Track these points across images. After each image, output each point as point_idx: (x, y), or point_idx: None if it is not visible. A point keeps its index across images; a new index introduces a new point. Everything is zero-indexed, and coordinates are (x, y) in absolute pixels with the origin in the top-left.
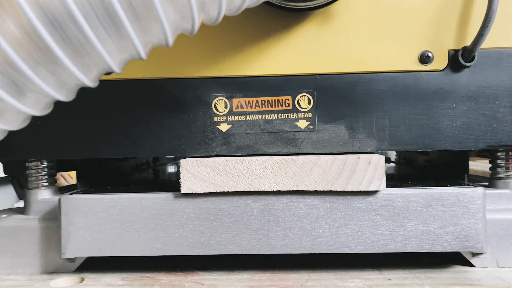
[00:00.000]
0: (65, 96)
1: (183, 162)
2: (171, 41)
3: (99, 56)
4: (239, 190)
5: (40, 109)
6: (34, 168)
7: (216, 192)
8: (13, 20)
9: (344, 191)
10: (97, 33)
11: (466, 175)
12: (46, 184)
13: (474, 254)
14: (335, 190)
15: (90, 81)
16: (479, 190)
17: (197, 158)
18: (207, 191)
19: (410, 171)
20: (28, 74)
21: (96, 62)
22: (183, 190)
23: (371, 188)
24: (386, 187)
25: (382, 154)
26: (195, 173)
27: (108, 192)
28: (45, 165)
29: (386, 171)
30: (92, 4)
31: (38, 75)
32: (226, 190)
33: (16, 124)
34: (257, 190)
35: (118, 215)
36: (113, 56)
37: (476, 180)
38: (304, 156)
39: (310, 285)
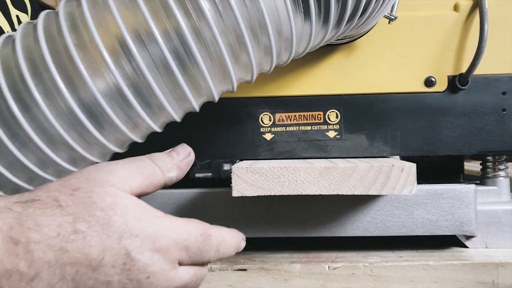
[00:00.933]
0: (139, 138)
1: (234, 169)
2: (235, 89)
3: (167, 111)
4: (285, 194)
5: (120, 147)
6: None
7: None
8: (108, 80)
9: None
10: (165, 95)
11: (461, 174)
12: None
13: (468, 237)
14: (371, 194)
15: (158, 128)
16: (472, 186)
17: (247, 164)
18: (256, 195)
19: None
20: (114, 119)
21: (164, 115)
22: (234, 193)
23: (404, 192)
24: None
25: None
26: (245, 178)
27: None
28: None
29: None
30: (165, 80)
31: (120, 120)
32: (272, 193)
33: (103, 159)
34: (301, 194)
35: (187, 206)
36: (176, 110)
37: (469, 178)
38: (343, 164)
39: (339, 260)
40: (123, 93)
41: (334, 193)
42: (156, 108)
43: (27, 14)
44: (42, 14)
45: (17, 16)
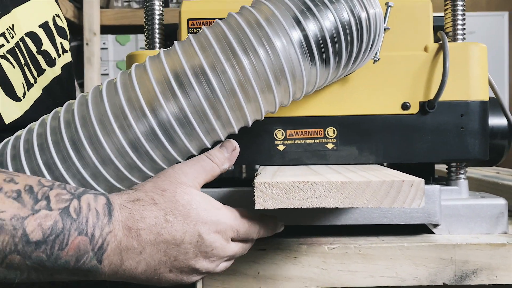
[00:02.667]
0: (196, 151)
1: (257, 184)
2: (263, 118)
3: (217, 134)
4: (304, 207)
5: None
6: None
7: None
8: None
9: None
10: (217, 124)
11: (431, 177)
12: None
13: (434, 226)
14: (384, 207)
15: (196, 152)
16: (437, 187)
17: (268, 178)
18: (276, 207)
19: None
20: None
21: (214, 137)
22: (257, 206)
23: (413, 206)
24: None
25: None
26: (266, 192)
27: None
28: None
29: None
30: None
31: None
32: (292, 207)
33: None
34: (318, 207)
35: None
36: (223, 133)
37: (440, 179)
38: (357, 179)
39: (335, 243)
40: (191, 121)
41: (349, 206)
42: (210, 132)
43: (67, 40)
44: (105, 83)
45: (61, 43)
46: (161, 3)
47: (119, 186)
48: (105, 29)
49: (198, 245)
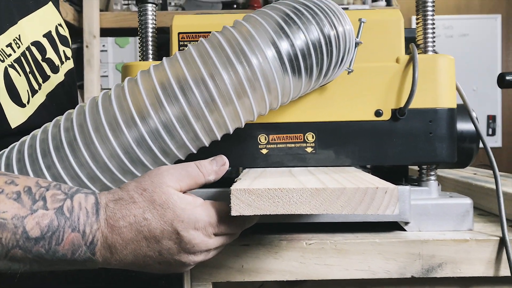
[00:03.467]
0: (183, 156)
1: (233, 190)
2: (243, 126)
3: (201, 141)
4: (279, 213)
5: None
6: None
7: None
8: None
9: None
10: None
11: (403, 178)
12: None
13: (405, 223)
14: (358, 213)
15: (195, 150)
16: (407, 187)
17: (245, 185)
18: (252, 214)
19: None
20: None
21: (198, 143)
22: (233, 213)
23: (387, 212)
24: None
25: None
26: (243, 199)
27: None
28: None
29: None
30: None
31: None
32: (268, 213)
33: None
34: (293, 213)
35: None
36: (206, 140)
37: (413, 180)
38: (332, 186)
39: (313, 239)
40: (176, 130)
41: (324, 212)
42: (195, 139)
43: (69, 48)
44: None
45: (63, 51)
46: (154, 18)
47: (113, 187)
48: (105, 32)
49: (178, 242)
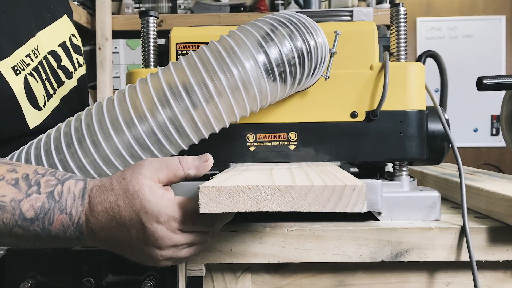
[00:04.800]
0: (176, 152)
1: (202, 188)
2: (227, 126)
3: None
4: (247, 210)
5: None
6: None
7: None
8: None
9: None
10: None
11: (378, 173)
12: None
13: (378, 213)
14: (326, 211)
15: (186, 147)
16: (379, 181)
17: (215, 183)
18: (221, 211)
19: (360, 170)
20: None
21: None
22: (201, 210)
23: (356, 210)
24: None
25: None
26: (211, 196)
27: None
28: None
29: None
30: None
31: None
32: (236, 210)
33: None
34: (262, 210)
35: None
36: (195, 137)
37: (390, 175)
38: (300, 184)
39: (294, 227)
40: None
41: (292, 210)
42: (184, 136)
43: (82, 56)
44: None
45: (76, 59)
46: (155, 29)
47: None
48: (117, 34)
49: (142, 232)
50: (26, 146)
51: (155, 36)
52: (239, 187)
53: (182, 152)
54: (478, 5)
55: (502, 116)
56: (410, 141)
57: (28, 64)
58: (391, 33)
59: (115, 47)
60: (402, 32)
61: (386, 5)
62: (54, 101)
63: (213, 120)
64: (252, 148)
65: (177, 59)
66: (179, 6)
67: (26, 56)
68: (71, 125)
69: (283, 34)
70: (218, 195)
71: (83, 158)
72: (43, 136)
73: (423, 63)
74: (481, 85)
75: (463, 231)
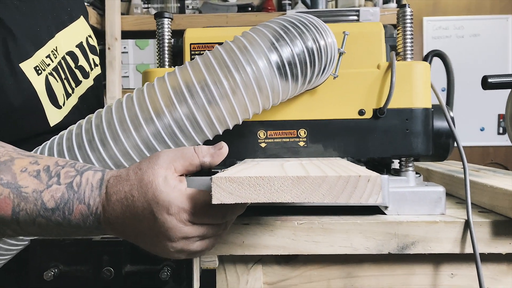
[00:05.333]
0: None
1: (214, 178)
2: (240, 123)
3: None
4: (260, 201)
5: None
6: None
7: None
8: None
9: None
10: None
11: (385, 169)
12: None
13: (385, 208)
14: (340, 203)
15: (201, 143)
16: (386, 176)
17: (228, 174)
18: (234, 202)
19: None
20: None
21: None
22: (214, 201)
23: (370, 202)
24: None
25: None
26: (224, 187)
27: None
28: None
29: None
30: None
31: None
32: (249, 201)
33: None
34: (275, 202)
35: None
36: (209, 133)
37: (396, 171)
38: (314, 173)
39: (304, 220)
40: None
41: (306, 201)
42: (199, 132)
43: (97, 56)
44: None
45: (93, 59)
46: (170, 30)
47: None
48: (126, 34)
49: (154, 223)
50: (48, 142)
51: (169, 37)
52: (252, 177)
53: None
54: (485, 5)
55: (507, 115)
56: (416, 138)
57: (48, 65)
58: (398, 34)
59: (124, 47)
60: (408, 33)
61: (393, 4)
62: (73, 100)
63: (227, 117)
64: (263, 145)
65: (191, 58)
66: (187, 6)
67: (46, 57)
68: (92, 122)
69: (294, 35)
70: (231, 186)
71: (103, 153)
72: (64, 132)
73: (430, 63)
74: (486, 83)
75: (467, 225)
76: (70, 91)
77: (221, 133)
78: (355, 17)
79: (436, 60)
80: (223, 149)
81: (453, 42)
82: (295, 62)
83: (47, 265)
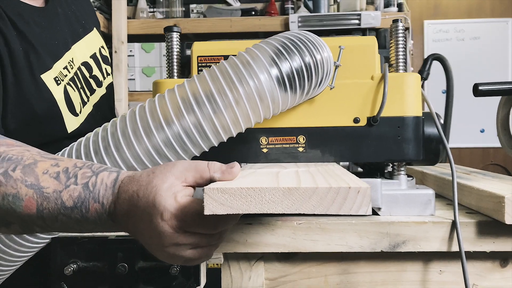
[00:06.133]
0: (198, 153)
1: (206, 189)
2: (243, 131)
3: (211, 141)
4: (251, 212)
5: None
6: None
7: None
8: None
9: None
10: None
11: (379, 173)
12: None
13: (378, 209)
14: (330, 213)
15: (206, 149)
16: (379, 180)
17: (219, 185)
18: (225, 213)
19: (364, 169)
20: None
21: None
22: (206, 212)
23: (360, 212)
24: None
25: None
26: (215, 198)
27: None
28: None
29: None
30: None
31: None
32: (241, 212)
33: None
34: (265, 212)
35: None
36: (215, 140)
37: (390, 173)
38: (304, 186)
39: (303, 220)
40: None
41: (296, 212)
42: (205, 139)
43: (110, 65)
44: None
45: (105, 68)
46: (178, 43)
47: None
48: (132, 38)
49: (149, 225)
50: (67, 148)
51: (178, 49)
52: (243, 189)
53: (203, 153)
54: (485, 8)
55: (497, 120)
56: (407, 144)
57: (66, 75)
58: (391, 47)
59: (130, 50)
60: (400, 46)
61: (394, 8)
62: (88, 108)
63: (231, 125)
64: (265, 150)
65: (198, 70)
66: (192, 10)
67: (64, 68)
68: (108, 130)
69: (293, 51)
70: (223, 197)
71: (118, 158)
72: (82, 140)
73: (429, 66)
74: (477, 91)
75: (454, 225)
76: (85, 99)
77: (225, 140)
78: (357, 21)
79: (436, 64)
80: (235, 168)
81: (454, 45)
82: (293, 76)
83: (67, 261)
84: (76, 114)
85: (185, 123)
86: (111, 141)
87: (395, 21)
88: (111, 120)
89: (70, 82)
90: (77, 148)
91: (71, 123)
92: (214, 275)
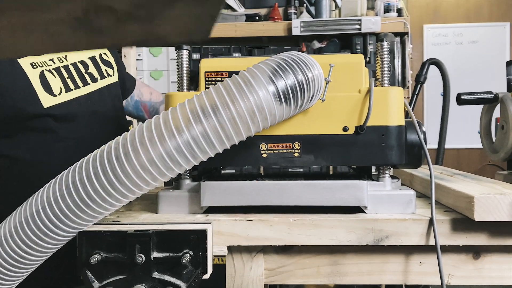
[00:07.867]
0: (205, 158)
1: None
2: (244, 139)
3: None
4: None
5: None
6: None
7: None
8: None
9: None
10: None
11: (366, 176)
12: (188, 176)
13: (365, 208)
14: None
15: (212, 155)
16: (364, 182)
17: (217, 180)
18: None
19: (347, 172)
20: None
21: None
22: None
23: None
24: (331, 179)
25: (328, 168)
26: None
27: (217, 180)
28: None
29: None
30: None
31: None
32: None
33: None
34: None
35: (223, 188)
36: (220, 148)
37: (376, 176)
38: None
39: (297, 217)
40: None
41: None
42: (211, 147)
43: (112, 69)
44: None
45: (105, 70)
46: (188, 59)
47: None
48: None
49: None
50: (92, 155)
51: (187, 65)
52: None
53: (209, 158)
54: (483, 12)
55: (480, 126)
56: (390, 150)
57: (50, 65)
58: (376, 63)
59: (139, 55)
60: (385, 62)
61: (393, 14)
62: (73, 94)
63: (234, 135)
64: (264, 155)
65: (205, 85)
66: None
67: (49, 60)
68: (127, 139)
69: (287, 70)
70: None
71: (136, 163)
72: (105, 147)
73: (427, 70)
74: (460, 100)
75: (431, 222)
76: (72, 87)
77: (229, 148)
78: (357, 26)
79: (434, 68)
80: None
81: (453, 48)
82: (288, 92)
83: (91, 252)
84: (53, 95)
85: (193, 132)
86: (130, 148)
87: (380, 40)
88: (130, 131)
89: (53, 71)
90: (100, 154)
91: (47, 100)
92: (217, 271)
